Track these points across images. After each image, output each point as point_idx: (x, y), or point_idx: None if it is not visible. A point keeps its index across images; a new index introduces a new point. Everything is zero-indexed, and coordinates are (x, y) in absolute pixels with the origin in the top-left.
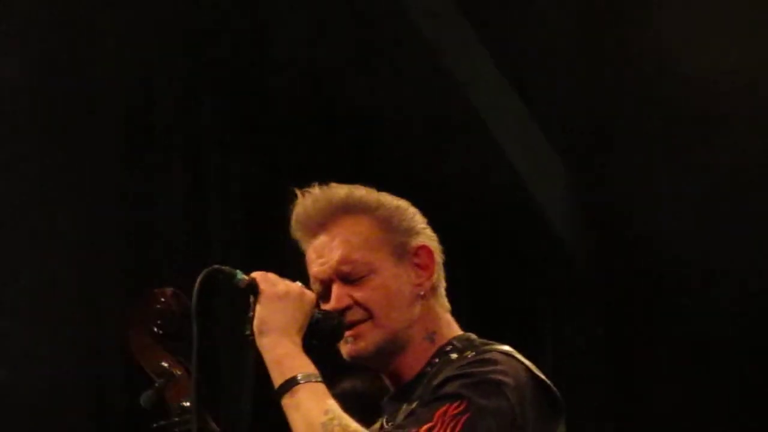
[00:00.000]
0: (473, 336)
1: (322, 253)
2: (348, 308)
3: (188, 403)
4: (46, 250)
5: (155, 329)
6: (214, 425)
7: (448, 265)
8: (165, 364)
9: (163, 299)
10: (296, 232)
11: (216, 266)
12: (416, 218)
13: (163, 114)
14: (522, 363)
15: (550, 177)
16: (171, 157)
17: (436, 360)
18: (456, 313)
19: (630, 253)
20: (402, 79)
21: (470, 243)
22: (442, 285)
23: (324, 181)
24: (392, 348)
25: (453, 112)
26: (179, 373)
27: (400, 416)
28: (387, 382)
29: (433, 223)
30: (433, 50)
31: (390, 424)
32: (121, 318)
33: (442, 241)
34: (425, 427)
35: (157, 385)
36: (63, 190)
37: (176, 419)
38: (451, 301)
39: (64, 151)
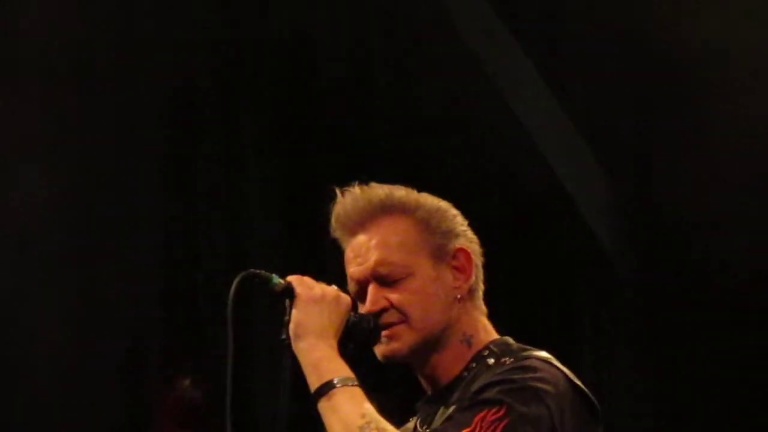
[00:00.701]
0: (510, 340)
1: (360, 252)
2: (384, 310)
3: None
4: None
5: (176, 415)
6: None
7: (487, 269)
8: None
9: (181, 388)
10: (336, 230)
11: (252, 270)
12: (456, 220)
13: (204, 122)
14: (560, 370)
15: (591, 184)
16: (212, 164)
17: (474, 364)
18: (494, 317)
19: (675, 260)
20: (445, 87)
21: (510, 248)
22: (480, 288)
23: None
24: (427, 350)
25: (495, 119)
26: None
27: (438, 420)
28: (423, 383)
29: (474, 227)
30: (477, 61)
31: (425, 427)
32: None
33: (482, 246)
34: (464, 431)
35: None
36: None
37: None
38: (489, 305)
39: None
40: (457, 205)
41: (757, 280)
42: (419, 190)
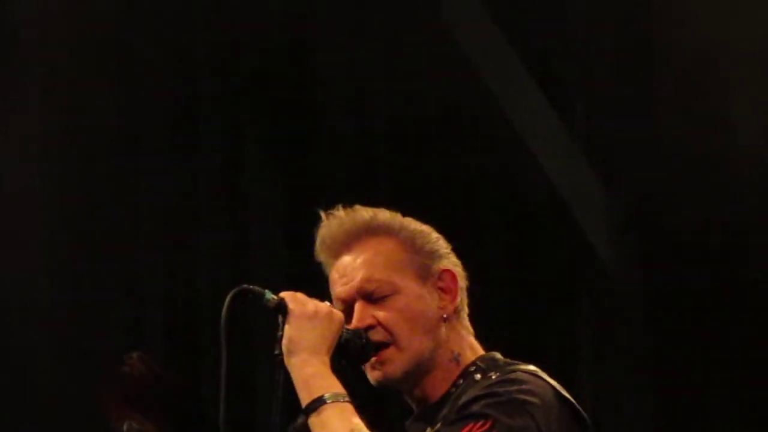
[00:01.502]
0: (498, 355)
1: (345, 272)
2: (370, 327)
3: None
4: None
5: (125, 392)
6: None
7: (485, 282)
8: (134, 425)
9: (131, 363)
10: (321, 253)
11: (245, 285)
12: (440, 243)
13: (205, 130)
14: (547, 382)
15: (589, 194)
16: (212, 173)
17: (461, 381)
18: (492, 331)
19: (675, 268)
20: (442, 96)
21: (508, 259)
22: (465, 310)
23: (364, 197)
24: (419, 371)
25: (489, 126)
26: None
27: None
28: (411, 402)
29: (471, 238)
30: (474, 69)
31: None
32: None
33: (478, 257)
34: None
35: None
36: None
37: None
38: (487, 319)
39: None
40: (455, 215)
41: (764, 286)
42: (417, 200)
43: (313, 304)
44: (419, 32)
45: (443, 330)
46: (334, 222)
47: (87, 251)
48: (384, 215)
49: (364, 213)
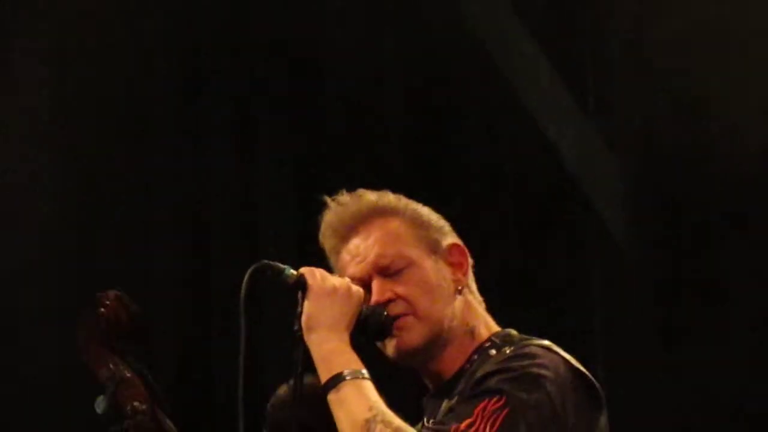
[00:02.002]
0: (513, 332)
1: (357, 252)
2: (390, 301)
3: (139, 404)
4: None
5: (102, 334)
6: (170, 424)
7: (497, 256)
8: (114, 368)
9: (107, 303)
10: (327, 239)
11: (265, 261)
12: (442, 221)
13: (215, 100)
14: (561, 356)
15: (602, 170)
16: (223, 146)
17: (476, 357)
18: (503, 308)
19: (686, 247)
20: (452, 73)
21: (520, 234)
22: (474, 285)
23: (374, 183)
24: (437, 342)
25: (499, 104)
26: (128, 375)
27: (441, 413)
28: (426, 380)
29: (481, 214)
30: (482, 44)
31: (431, 421)
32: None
33: (494, 232)
34: (465, 423)
35: (108, 389)
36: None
37: (129, 421)
38: (499, 292)
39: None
40: (465, 193)
41: None
42: (428, 181)
43: (332, 281)
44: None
45: (458, 303)
46: (339, 207)
47: (95, 232)
48: (389, 197)
49: (369, 196)
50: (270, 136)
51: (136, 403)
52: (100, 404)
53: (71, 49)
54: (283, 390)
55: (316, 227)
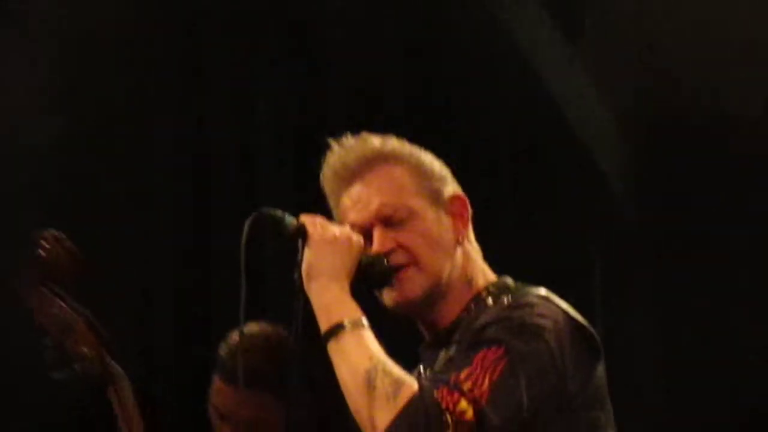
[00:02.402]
0: (509, 280)
1: (360, 198)
2: (392, 251)
3: (87, 349)
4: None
5: (43, 277)
6: (118, 368)
7: (493, 209)
8: (59, 313)
9: (45, 244)
10: (330, 182)
11: (265, 209)
12: (444, 169)
13: (213, 59)
14: (559, 306)
15: (599, 122)
16: (222, 103)
17: (473, 306)
18: (500, 257)
19: (687, 200)
20: (449, 20)
21: (515, 187)
22: (473, 235)
23: (371, 126)
24: (437, 293)
25: (498, 54)
26: (74, 319)
27: (439, 363)
28: (423, 329)
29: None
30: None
31: (429, 371)
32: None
33: (489, 186)
34: (465, 372)
35: (53, 335)
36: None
37: (76, 366)
38: (495, 244)
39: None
40: (463, 146)
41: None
42: (424, 131)
43: (333, 229)
44: None
45: (458, 253)
46: (343, 150)
47: (95, 186)
48: (393, 143)
49: (374, 141)
50: (269, 87)
51: (83, 348)
52: (50, 353)
53: None
54: (234, 336)
55: (313, 174)
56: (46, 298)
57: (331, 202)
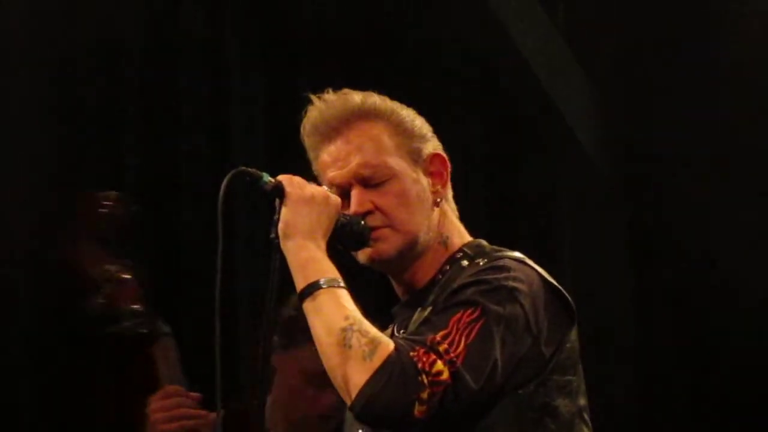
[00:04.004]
0: (484, 242)
1: (339, 156)
2: (369, 212)
3: (138, 306)
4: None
5: (100, 234)
6: (166, 326)
7: (469, 171)
8: (112, 269)
9: (108, 203)
10: (309, 136)
11: (242, 168)
12: (425, 126)
13: (186, 26)
14: (534, 269)
15: (574, 87)
16: (195, 67)
17: (448, 267)
18: (475, 222)
19: (655, 168)
20: None
21: (490, 153)
22: (451, 193)
23: (347, 81)
24: (412, 253)
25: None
26: (126, 277)
27: (413, 323)
28: (397, 289)
29: (455, 130)
30: None
31: (402, 331)
32: (64, 225)
33: (466, 146)
34: (441, 333)
35: (105, 291)
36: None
37: (127, 323)
38: (471, 207)
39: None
40: (435, 99)
41: (735, 197)
42: (397, 83)
43: (310, 188)
44: None
45: (436, 213)
46: (323, 105)
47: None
48: (374, 99)
49: (355, 96)
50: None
51: (134, 306)
52: (97, 305)
53: None
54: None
55: (286, 132)
56: (99, 255)
57: (311, 156)
